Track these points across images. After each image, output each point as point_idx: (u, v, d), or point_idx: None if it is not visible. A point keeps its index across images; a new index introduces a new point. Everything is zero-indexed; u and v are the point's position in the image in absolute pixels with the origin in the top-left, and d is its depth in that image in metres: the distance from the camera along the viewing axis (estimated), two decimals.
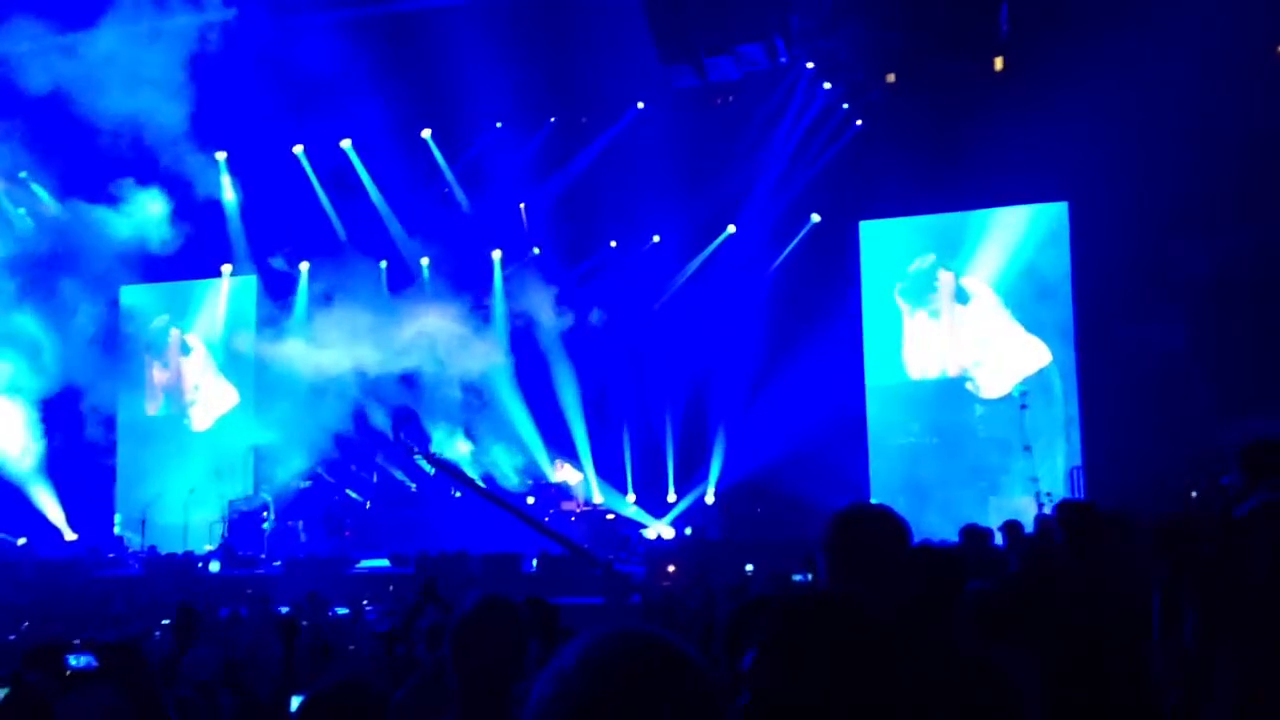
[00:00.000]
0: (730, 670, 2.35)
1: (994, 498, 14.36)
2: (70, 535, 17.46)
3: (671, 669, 1.21)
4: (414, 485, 16.63)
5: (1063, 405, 14.80)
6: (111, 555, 16.37)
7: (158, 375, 18.88)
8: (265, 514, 16.38)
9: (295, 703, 3.47)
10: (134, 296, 18.82)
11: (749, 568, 11.20)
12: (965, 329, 15.43)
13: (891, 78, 15.54)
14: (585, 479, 16.34)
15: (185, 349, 18.86)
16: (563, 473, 16.20)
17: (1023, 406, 14.31)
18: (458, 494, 15.75)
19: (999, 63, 14.99)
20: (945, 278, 15.53)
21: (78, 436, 17.84)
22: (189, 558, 15.50)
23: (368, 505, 16.59)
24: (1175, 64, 12.95)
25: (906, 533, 2.43)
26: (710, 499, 15.89)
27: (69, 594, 13.12)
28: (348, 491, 16.62)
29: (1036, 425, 14.63)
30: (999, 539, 8.27)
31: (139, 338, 18.79)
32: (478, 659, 2.66)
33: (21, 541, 16.99)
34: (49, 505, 17.54)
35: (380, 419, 16.75)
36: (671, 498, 16.21)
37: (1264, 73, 13.52)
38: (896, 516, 2.43)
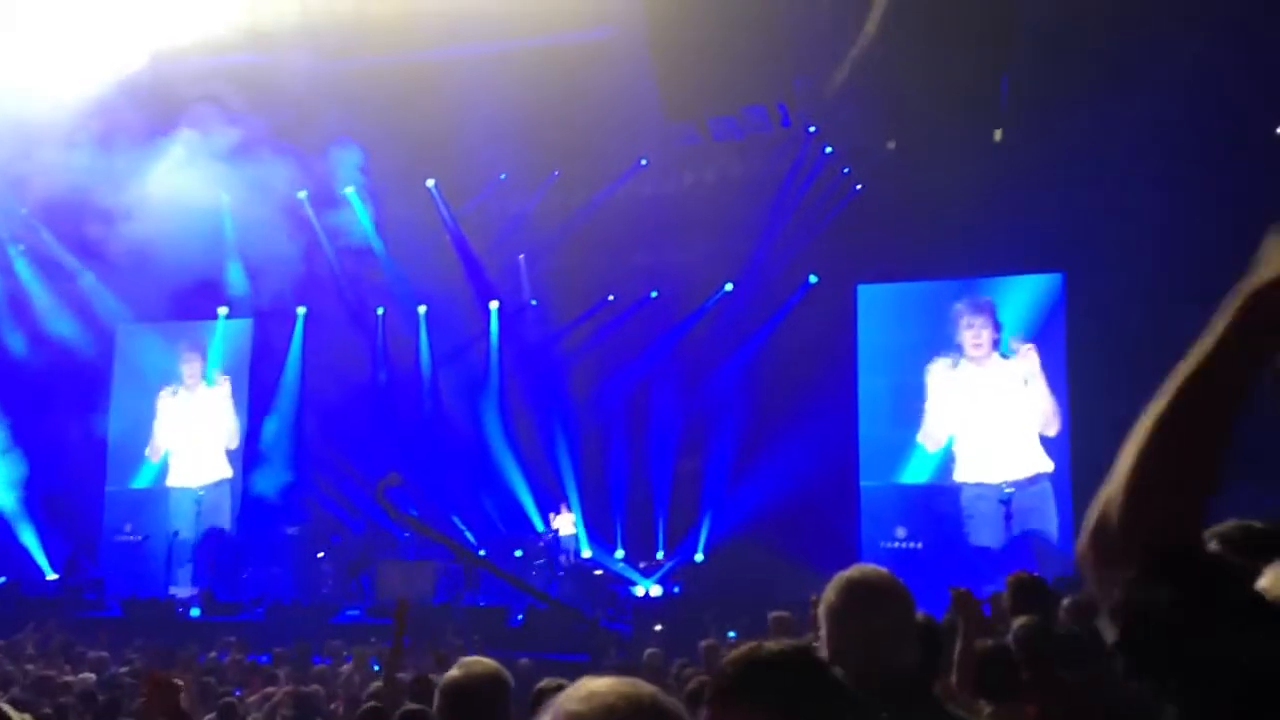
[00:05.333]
0: None
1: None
2: (51, 575, 17.26)
3: None
4: (368, 530, 16.35)
5: (1056, 515, 14.38)
6: (93, 598, 16.16)
7: (159, 420, 18.69)
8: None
9: None
10: (131, 335, 18.77)
11: (731, 634, 10.96)
12: (983, 391, 15.22)
13: (892, 145, 15.70)
14: (577, 533, 16.19)
15: (179, 389, 18.75)
16: (563, 521, 15.97)
17: (1007, 510, 13.97)
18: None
19: (998, 134, 15.15)
20: (983, 334, 15.36)
21: (66, 474, 17.73)
22: (170, 601, 15.32)
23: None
24: (1173, 138, 13.09)
25: (912, 601, 2.40)
26: (700, 557, 15.74)
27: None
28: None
29: (1026, 523, 14.37)
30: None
31: (134, 376, 18.70)
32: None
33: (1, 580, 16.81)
34: (33, 543, 17.39)
35: (370, 469, 16.63)
36: (660, 555, 16.05)
37: (1261, 147, 13.67)
38: (902, 584, 2.40)
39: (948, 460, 15.23)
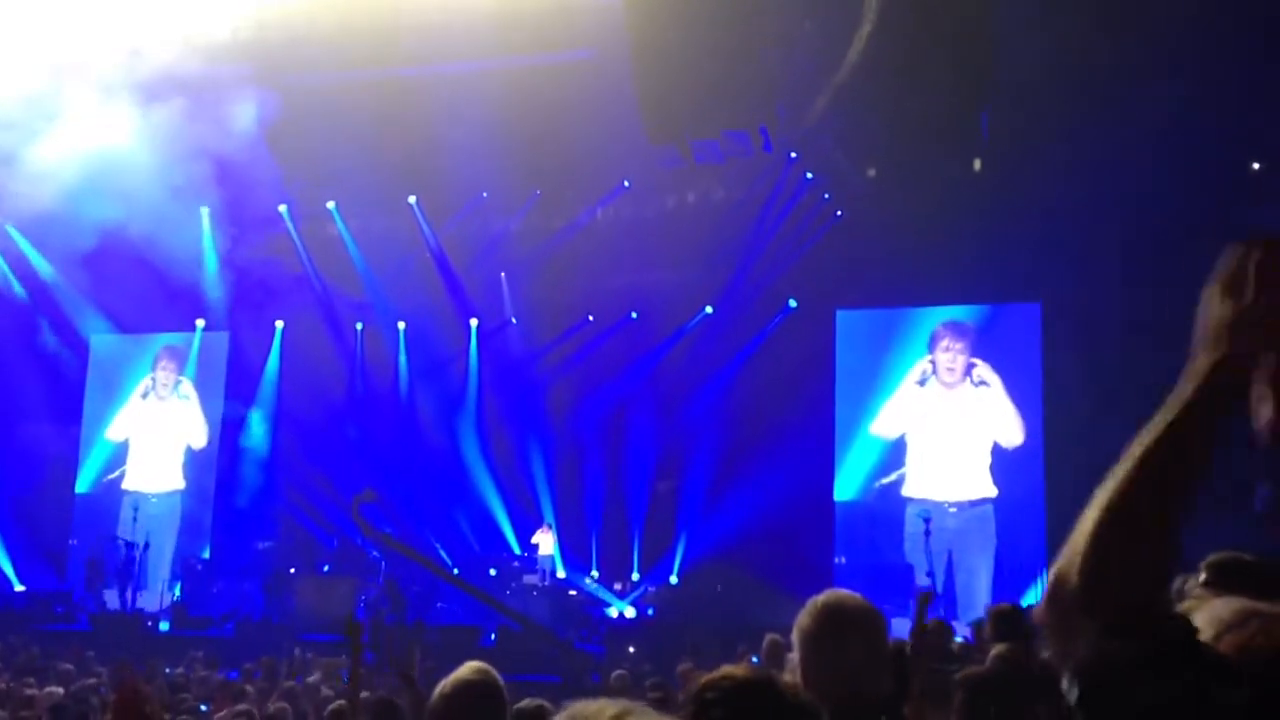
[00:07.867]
0: None
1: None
2: (19, 586, 17.04)
3: None
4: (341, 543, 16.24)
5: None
6: (61, 610, 15.96)
7: (121, 425, 18.55)
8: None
9: None
10: (105, 345, 18.62)
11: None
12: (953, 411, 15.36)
13: (873, 172, 15.80)
14: (553, 554, 16.12)
15: (149, 398, 18.60)
16: (543, 539, 15.89)
17: (926, 533, 14.00)
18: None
19: (977, 164, 15.28)
20: (959, 360, 15.50)
21: (36, 485, 17.53)
22: (138, 615, 15.14)
23: (326, 570, 16.27)
24: (1149, 170, 13.23)
25: (886, 626, 2.40)
26: (675, 579, 15.70)
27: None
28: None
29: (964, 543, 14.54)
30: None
31: (106, 386, 18.55)
32: None
33: None
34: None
35: (345, 485, 16.53)
36: (636, 577, 16.01)
37: (1237, 180, 13.85)
38: (877, 610, 2.39)
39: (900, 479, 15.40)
